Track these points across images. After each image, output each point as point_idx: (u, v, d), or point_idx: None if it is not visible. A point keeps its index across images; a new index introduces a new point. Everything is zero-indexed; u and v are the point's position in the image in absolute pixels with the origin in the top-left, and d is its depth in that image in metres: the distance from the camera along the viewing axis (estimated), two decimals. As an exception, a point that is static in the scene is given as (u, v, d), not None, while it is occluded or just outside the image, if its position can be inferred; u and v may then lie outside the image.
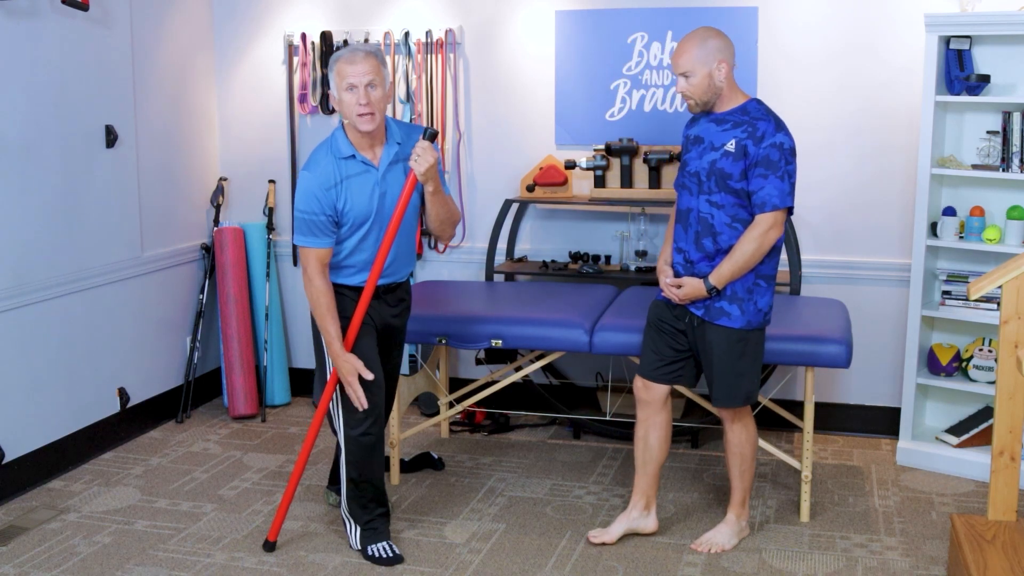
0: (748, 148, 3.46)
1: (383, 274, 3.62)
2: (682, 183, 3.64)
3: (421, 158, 3.44)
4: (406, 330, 3.96)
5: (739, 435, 3.72)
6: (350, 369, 3.52)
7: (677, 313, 3.68)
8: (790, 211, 3.54)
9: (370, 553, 3.65)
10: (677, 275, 3.64)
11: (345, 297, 3.63)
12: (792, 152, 3.49)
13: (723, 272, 3.51)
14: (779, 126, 3.49)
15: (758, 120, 3.49)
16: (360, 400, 3.53)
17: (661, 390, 3.74)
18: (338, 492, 3.98)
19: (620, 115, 4.98)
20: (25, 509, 4.07)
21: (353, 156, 3.52)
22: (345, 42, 5.18)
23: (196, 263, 5.36)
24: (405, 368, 5.08)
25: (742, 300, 3.55)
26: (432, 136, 3.46)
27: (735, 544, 3.76)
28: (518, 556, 3.69)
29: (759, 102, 3.57)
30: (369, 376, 3.52)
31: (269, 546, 3.73)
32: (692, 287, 3.57)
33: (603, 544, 3.76)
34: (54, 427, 4.42)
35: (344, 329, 3.59)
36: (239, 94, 5.46)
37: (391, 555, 3.64)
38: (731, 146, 3.48)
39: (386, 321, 3.77)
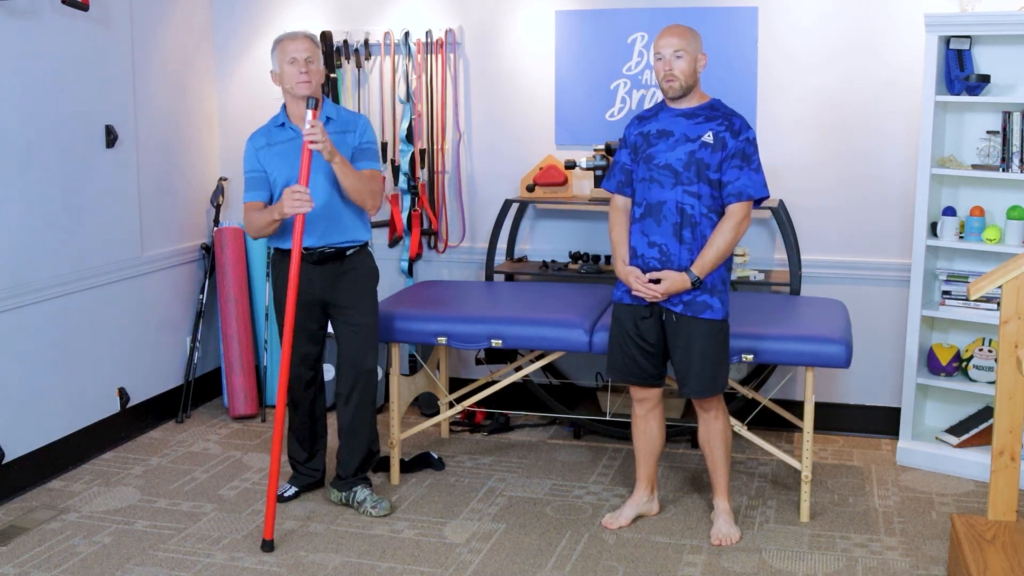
0: (727, 140, 3.60)
1: (311, 236, 3.90)
2: (648, 177, 3.66)
3: (319, 139, 3.67)
4: (368, 304, 4.05)
5: (722, 422, 3.82)
6: (287, 201, 3.70)
7: (643, 314, 3.71)
8: (758, 201, 3.66)
9: (279, 492, 4.12)
10: (650, 272, 3.66)
11: (284, 263, 3.93)
12: (756, 146, 3.69)
13: (706, 262, 3.59)
14: (747, 121, 3.66)
15: (732, 116, 3.65)
16: (299, 192, 3.69)
17: (657, 389, 3.85)
18: (339, 488, 4.10)
19: (620, 115, 4.98)
20: (25, 509, 4.07)
21: (283, 124, 3.95)
22: (345, 42, 5.18)
23: (196, 263, 5.36)
24: (405, 368, 5.09)
25: (721, 292, 3.67)
26: (313, 104, 3.70)
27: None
28: (518, 556, 3.69)
29: (721, 101, 3.73)
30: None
31: (268, 545, 3.73)
32: (674, 281, 3.60)
33: (619, 528, 3.89)
34: (54, 427, 4.42)
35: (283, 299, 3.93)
36: (239, 94, 5.46)
37: (284, 495, 4.14)
38: (709, 137, 3.60)
39: (323, 297, 4.01)
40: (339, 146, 3.91)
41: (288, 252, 3.88)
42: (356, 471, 4.10)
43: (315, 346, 4.11)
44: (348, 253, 4.01)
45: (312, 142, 3.66)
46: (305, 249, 3.92)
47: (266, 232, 3.89)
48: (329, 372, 5.29)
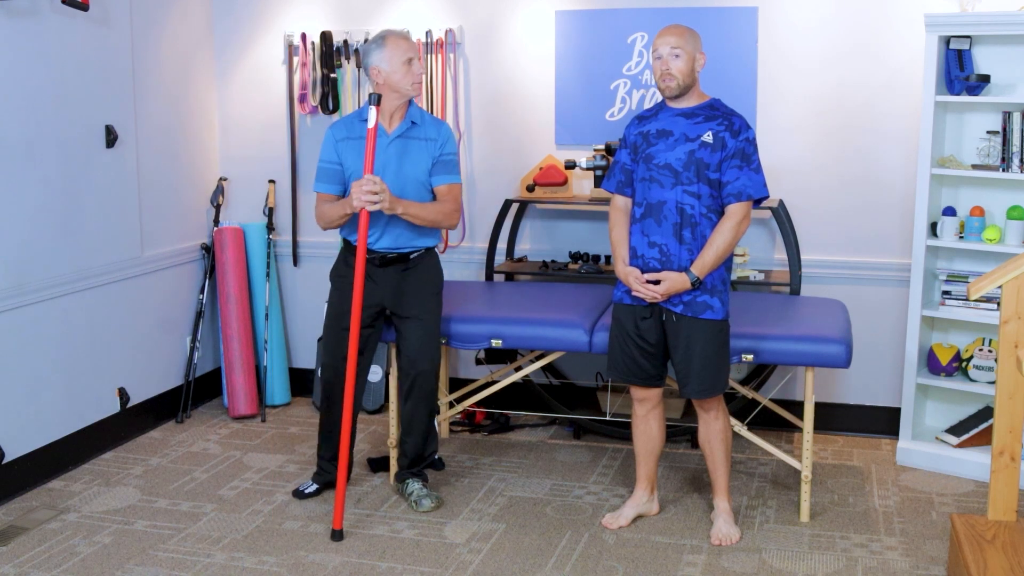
0: (726, 140, 3.59)
1: (375, 238, 3.95)
2: (648, 177, 3.66)
3: (378, 200, 3.73)
4: (429, 306, 4.06)
5: (723, 422, 3.82)
6: (356, 194, 3.75)
7: (644, 315, 3.71)
8: (757, 201, 3.66)
9: (299, 488, 4.20)
10: (650, 272, 3.66)
11: (350, 258, 3.95)
12: (756, 146, 3.67)
13: (706, 262, 3.58)
14: (746, 121, 3.65)
15: (731, 115, 3.64)
16: (368, 185, 3.72)
17: (657, 389, 3.84)
18: (398, 479, 4.20)
19: (620, 115, 4.98)
20: (25, 509, 4.08)
21: (367, 119, 3.85)
22: (345, 42, 5.18)
23: (196, 263, 5.36)
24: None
25: (721, 292, 3.67)
26: (376, 100, 3.76)
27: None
28: (518, 556, 3.69)
29: (720, 100, 3.72)
30: (372, 180, 3.73)
31: (337, 535, 3.80)
32: (674, 282, 3.59)
33: (619, 528, 3.89)
34: (54, 427, 4.42)
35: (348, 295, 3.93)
36: (239, 94, 5.46)
37: (304, 491, 4.17)
38: (708, 137, 3.59)
39: (383, 301, 4.02)
40: (418, 152, 3.93)
41: (353, 247, 3.95)
42: (411, 464, 4.16)
43: (363, 350, 4.06)
44: (412, 256, 4.03)
45: (372, 203, 3.72)
46: (369, 251, 3.94)
47: (337, 224, 3.95)
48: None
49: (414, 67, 3.87)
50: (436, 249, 4.14)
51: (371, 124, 3.73)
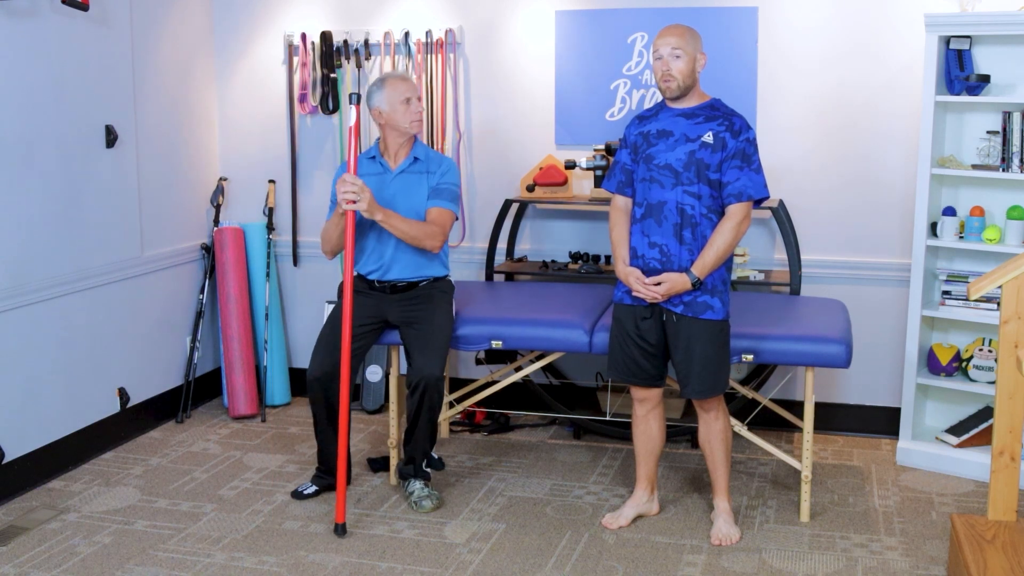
0: (727, 140, 3.59)
1: (385, 271, 4.10)
2: (649, 177, 3.66)
3: (356, 198, 3.79)
4: (438, 318, 4.09)
5: (723, 422, 3.82)
6: (340, 194, 3.85)
7: (644, 315, 3.71)
8: (758, 202, 3.65)
9: (298, 489, 4.21)
10: (651, 272, 3.66)
11: (361, 285, 4.14)
12: (757, 146, 3.67)
13: (707, 263, 3.58)
14: (747, 121, 3.64)
15: (732, 116, 3.64)
16: (347, 183, 3.81)
17: (657, 389, 3.84)
18: (401, 477, 4.20)
19: (620, 115, 4.98)
20: (25, 509, 4.08)
21: (374, 158, 4.13)
22: (345, 42, 5.18)
23: (196, 263, 5.36)
24: (404, 368, 5.08)
25: (721, 292, 3.67)
26: (356, 100, 3.87)
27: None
28: (518, 556, 3.69)
29: (721, 100, 3.71)
30: (352, 179, 3.82)
31: (340, 529, 3.82)
32: (675, 282, 3.59)
33: (619, 528, 3.89)
34: (54, 427, 4.42)
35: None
36: (239, 94, 5.46)
37: (303, 492, 4.18)
38: (709, 137, 3.59)
39: (388, 318, 4.13)
40: (419, 185, 4.06)
41: (363, 277, 4.14)
42: (412, 461, 4.16)
43: (353, 360, 4.05)
44: (421, 284, 4.14)
45: (350, 202, 3.79)
46: (378, 281, 4.13)
47: (336, 240, 4.04)
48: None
49: (412, 106, 4.04)
50: (448, 278, 4.24)
51: (351, 122, 3.82)
